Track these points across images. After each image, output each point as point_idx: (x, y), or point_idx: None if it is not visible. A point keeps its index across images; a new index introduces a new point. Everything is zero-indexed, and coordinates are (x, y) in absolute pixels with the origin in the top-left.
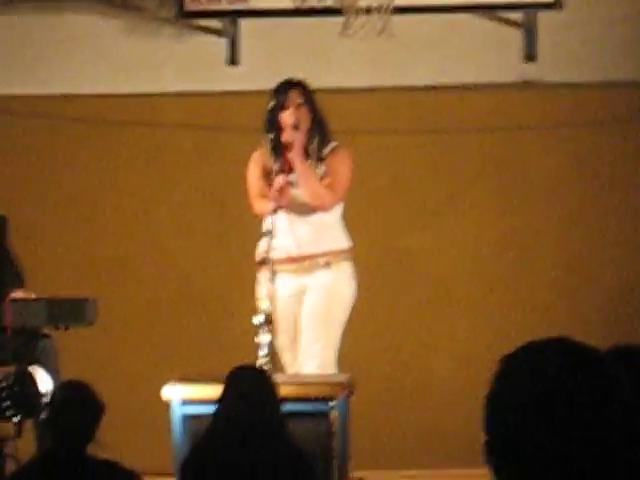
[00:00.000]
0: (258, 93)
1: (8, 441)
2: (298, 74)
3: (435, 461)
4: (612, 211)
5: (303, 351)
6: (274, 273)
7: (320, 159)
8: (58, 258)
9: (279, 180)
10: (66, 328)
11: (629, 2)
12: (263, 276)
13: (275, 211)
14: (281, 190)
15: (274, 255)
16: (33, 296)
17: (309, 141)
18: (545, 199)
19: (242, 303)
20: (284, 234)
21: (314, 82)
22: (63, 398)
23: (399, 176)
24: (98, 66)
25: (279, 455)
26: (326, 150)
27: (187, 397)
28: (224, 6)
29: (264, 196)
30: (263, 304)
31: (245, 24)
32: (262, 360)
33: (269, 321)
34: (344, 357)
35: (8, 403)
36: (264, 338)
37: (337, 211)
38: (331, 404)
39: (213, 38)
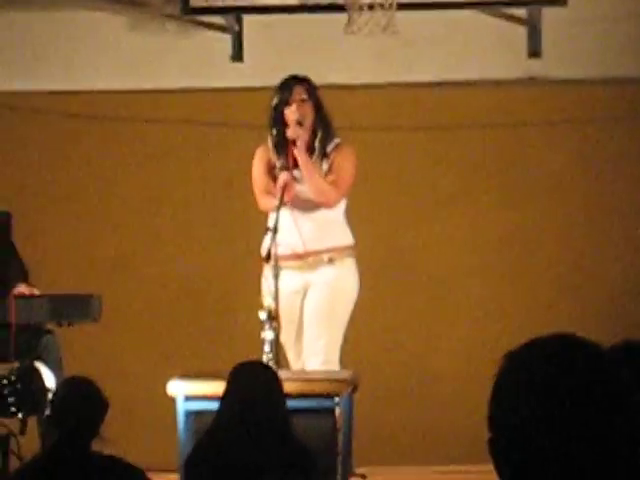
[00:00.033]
0: (262, 89)
1: (12, 438)
2: (302, 70)
3: (438, 458)
4: (616, 207)
5: (307, 347)
6: (278, 269)
7: (324, 155)
8: (60, 255)
9: (283, 176)
10: (70, 324)
11: None
12: (267, 272)
13: (279, 207)
14: (285, 186)
15: (279, 251)
16: (36, 291)
17: (313, 137)
18: (549, 195)
19: (246, 299)
20: (289, 230)
21: (318, 78)
22: (67, 394)
23: (403, 172)
24: (102, 62)
25: (283, 451)
26: (330, 146)
27: (191, 393)
28: (228, 2)
29: (269, 192)
30: (267, 300)
31: (249, 20)
32: (266, 356)
33: (273, 317)
34: (348, 354)
35: (12, 400)
36: (268, 334)
37: (341, 207)
38: (335, 400)
39: (217, 34)
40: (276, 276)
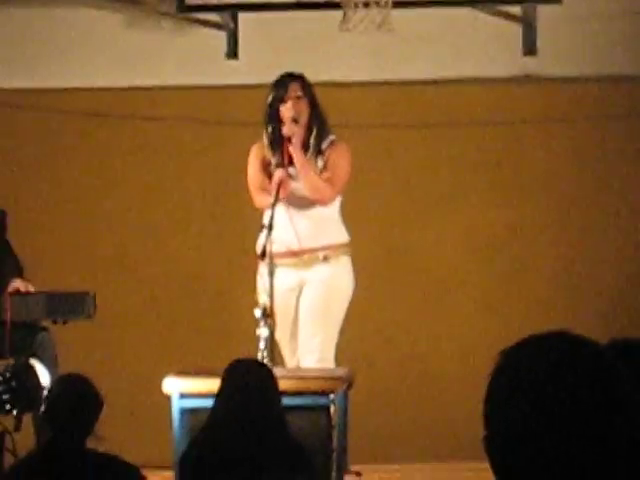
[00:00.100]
0: (257, 87)
1: (7, 435)
2: (297, 68)
3: (434, 455)
4: (611, 205)
5: (302, 345)
6: (273, 267)
7: (319, 152)
8: (57, 252)
9: (279, 173)
10: (65, 322)
11: None
12: (262, 269)
13: (274, 204)
14: (280, 183)
15: (274, 249)
16: (31, 287)
17: (308, 134)
18: (544, 193)
19: (241, 297)
20: (284, 228)
21: (313, 76)
22: (61, 391)
23: (398, 170)
24: (98, 60)
25: (278, 449)
26: (325, 143)
27: (186, 390)
28: (224, 0)
29: (264, 189)
30: (262, 298)
31: (245, 18)
32: (261, 354)
33: (268, 315)
34: (343, 351)
35: (7, 397)
36: (263, 331)
37: (336, 205)
38: (330, 398)
39: (213, 31)
40: (271, 273)
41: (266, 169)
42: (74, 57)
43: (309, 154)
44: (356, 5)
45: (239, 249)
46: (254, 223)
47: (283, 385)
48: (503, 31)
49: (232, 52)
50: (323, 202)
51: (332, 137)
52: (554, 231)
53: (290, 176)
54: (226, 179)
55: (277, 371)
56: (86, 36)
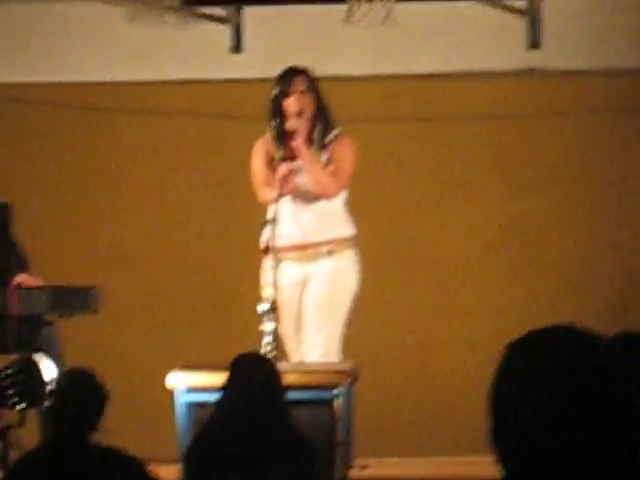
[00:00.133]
0: (262, 81)
1: (12, 430)
2: (301, 62)
3: (438, 449)
4: (616, 199)
5: (307, 339)
6: (278, 261)
7: (323, 146)
8: (62, 246)
9: (283, 168)
10: (70, 316)
11: None
12: (267, 264)
13: (279, 199)
14: (285, 178)
15: (278, 243)
16: (37, 281)
17: (312, 128)
18: (548, 187)
19: (246, 291)
20: (288, 222)
21: (317, 70)
22: (67, 386)
23: (402, 164)
24: (102, 54)
25: (283, 443)
26: (329, 137)
27: (191, 385)
28: None
29: (268, 184)
30: (267, 292)
31: (249, 12)
32: (266, 348)
33: (273, 309)
34: (348, 345)
35: (12, 391)
36: (268, 326)
37: (340, 199)
38: (335, 392)
39: (217, 26)
40: (275, 268)
41: (270, 163)
42: (77, 51)
43: (313, 148)
44: None
45: (243, 244)
46: (258, 217)
47: (287, 379)
48: (507, 24)
49: (236, 46)
50: (327, 196)
51: (336, 131)
52: (559, 224)
53: (294, 170)
54: (230, 173)
55: (281, 365)
56: (89, 30)
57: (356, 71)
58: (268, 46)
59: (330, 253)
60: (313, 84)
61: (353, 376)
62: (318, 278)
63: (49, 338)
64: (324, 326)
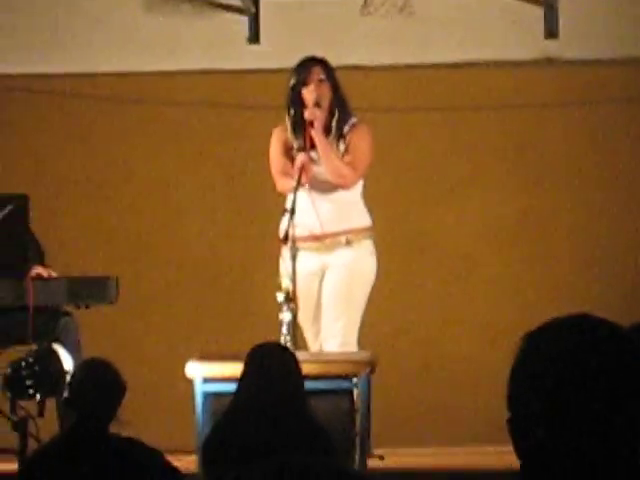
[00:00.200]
0: (279, 71)
1: (30, 420)
2: (319, 52)
3: (456, 439)
4: (631, 188)
5: (325, 329)
6: (296, 251)
7: (341, 136)
8: (79, 238)
9: (301, 157)
10: (87, 306)
11: None
12: (285, 254)
13: (297, 188)
14: (303, 167)
15: (296, 233)
16: (53, 273)
17: (330, 118)
18: (565, 176)
19: (264, 281)
20: (307, 212)
21: (335, 60)
22: (85, 376)
23: (419, 154)
24: (118, 44)
25: (301, 433)
26: (346, 127)
27: (209, 375)
28: None
29: (286, 173)
30: (285, 282)
31: (266, 2)
32: (284, 337)
33: (291, 299)
34: (366, 335)
35: (30, 382)
36: (286, 316)
37: (358, 188)
38: (353, 381)
39: (234, 16)
40: (294, 257)
41: (288, 153)
42: (93, 42)
43: (331, 137)
44: None
45: (262, 233)
46: (276, 207)
47: (306, 369)
48: (525, 14)
49: (253, 36)
50: (345, 186)
51: (354, 120)
52: (574, 214)
53: (312, 160)
54: (248, 163)
55: (300, 355)
56: (105, 21)
57: (373, 61)
58: (285, 36)
59: (348, 243)
60: (331, 73)
61: (371, 366)
62: (336, 268)
63: (67, 329)
64: (342, 316)
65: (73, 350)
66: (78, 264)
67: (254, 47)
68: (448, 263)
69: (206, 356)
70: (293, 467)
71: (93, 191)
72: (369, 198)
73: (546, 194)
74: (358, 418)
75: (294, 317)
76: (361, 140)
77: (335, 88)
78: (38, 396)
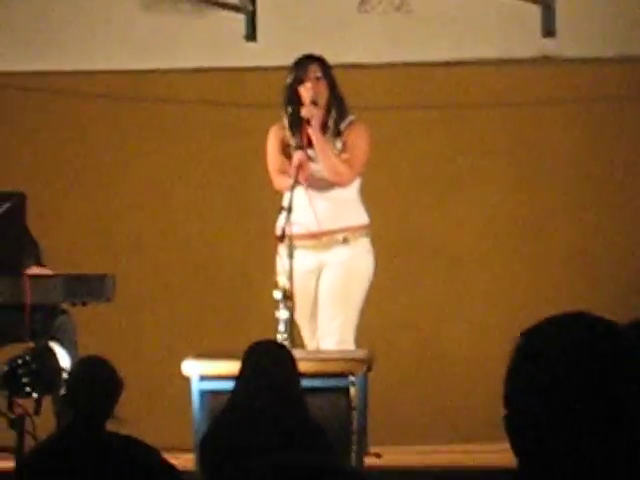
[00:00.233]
0: (276, 69)
1: (27, 418)
2: (316, 49)
3: (453, 436)
4: (629, 186)
5: (321, 327)
6: (293, 249)
7: (338, 134)
8: (76, 236)
9: (298, 155)
10: (84, 304)
11: None
12: (282, 252)
13: (294, 186)
14: (300, 165)
15: (293, 231)
16: (49, 272)
17: (327, 116)
18: (562, 175)
19: (261, 279)
20: (304, 210)
21: (332, 58)
22: (81, 374)
23: (417, 152)
24: (116, 42)
25: (298, 431)
26: (344, 125)
27: (206, 373)
28: None
29: (283, 171)
30: (282, 280)
31: (263, 0)
32: (281, 335)
33: (288, 297)
34: (363, 333)
35: (27, 380)
36: (283, 313)
37: (355, 186)
38: (350, 379)
39: (231, 14)
40: (291, 255)
41: (285, 151)
42: (91, 40)
43: (328, 135)
44: None
45: (258, 231)
46: (273, 205)
47: (303, 367)
48: (522, 12)
49: (251, 34)
50: (342, 183)
51: (351, 118)
52: (572, 212)
53: (309, 158)
54: (245, 161)
55: (297, 353)
56: (103, 19)
57: (370, 59)
58: (283, 34)
59: (345, 241)
60: (328, 71)
61: (368, 364)
62: (333, 266)
63: (63, 326)
64: (339, 314)
65: (70, 348)
66: (75, 262)
67: (251, 45)
68: (446, 261)
69: (203, 354)
70: (290, 465)
71: (91, 189)
72: (366, 196)
73: (544, 192)
74: (355, 416)
75: (291, 315)
76: (358, 138)
77: (332, 86)
78: (35, 394)
